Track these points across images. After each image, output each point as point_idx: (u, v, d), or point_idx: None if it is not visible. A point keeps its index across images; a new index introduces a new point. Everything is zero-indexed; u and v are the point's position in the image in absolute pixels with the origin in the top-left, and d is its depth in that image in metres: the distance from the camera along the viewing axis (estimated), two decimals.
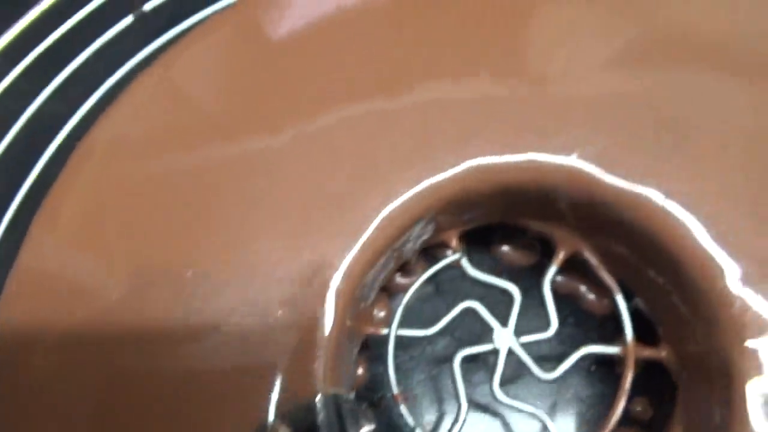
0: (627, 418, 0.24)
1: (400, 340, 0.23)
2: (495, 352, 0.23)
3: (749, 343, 0.19)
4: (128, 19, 0.26)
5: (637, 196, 0.21)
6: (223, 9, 0.26)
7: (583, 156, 0.21)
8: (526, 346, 0.23)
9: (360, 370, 0.26)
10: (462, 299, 0.24)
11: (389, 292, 0.26)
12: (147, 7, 0.26)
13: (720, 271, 0.20)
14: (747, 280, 0.20)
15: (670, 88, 0.21)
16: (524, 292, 0.24)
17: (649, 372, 0.24)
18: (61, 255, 0.22)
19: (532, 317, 0.24)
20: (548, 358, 0.25)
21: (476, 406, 0.25)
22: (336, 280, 0.20)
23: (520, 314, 0.24)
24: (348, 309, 0.20)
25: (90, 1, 0.26)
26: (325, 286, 0.20)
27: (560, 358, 0.23)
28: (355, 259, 0.20)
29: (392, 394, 0.23)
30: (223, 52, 0.24)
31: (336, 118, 0.22)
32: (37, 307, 0.21)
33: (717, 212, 0.20)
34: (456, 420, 0.23)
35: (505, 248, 0.27)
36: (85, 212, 0.22)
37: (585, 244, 0.24)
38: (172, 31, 0.26)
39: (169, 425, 0.20)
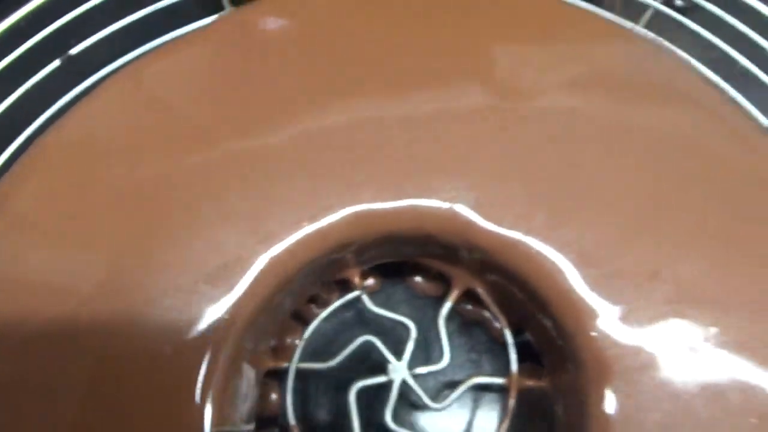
0: None
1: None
2: (390, 384, 0.24)
3: (608, 385, 0.21)
4: (55, 63, 0.27)
5: (508, 241, 0.22)
6: (155, 48, 0.27)
7: (462, 202, 0.22)
8: (424, 377, 0.25)
9: (273, 396, 0.27)
10: (371, 331, 0.25)
11: (304, 319, 0.27)
12: (74, 51, 0.27)
13: (584, 314, 0.21)
14: (608, 322, 0.21)
15: (544, 139, 0.23)
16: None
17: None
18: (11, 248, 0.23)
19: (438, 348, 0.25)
20: (450, 385, 0.26)
21: None
22: (212, 329, 0.21)
23: (428, 345, 0.25)
24: (232, 354, 0.21)
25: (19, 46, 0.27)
26: (205, 337, 0.21)
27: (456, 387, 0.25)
28: (235, 306, 0.21)
29: (292, 425, 0.24)
30: (189, 61, 0.25)
31: (221, 152, 0.23)
32: None
33: (584, 258, 0.22)
34: None
35: (418, 279, 0.28)
36: (34, 207, 0.23)
37: (477, 282, 0.25)
38: (99, 74, 0.27)
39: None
